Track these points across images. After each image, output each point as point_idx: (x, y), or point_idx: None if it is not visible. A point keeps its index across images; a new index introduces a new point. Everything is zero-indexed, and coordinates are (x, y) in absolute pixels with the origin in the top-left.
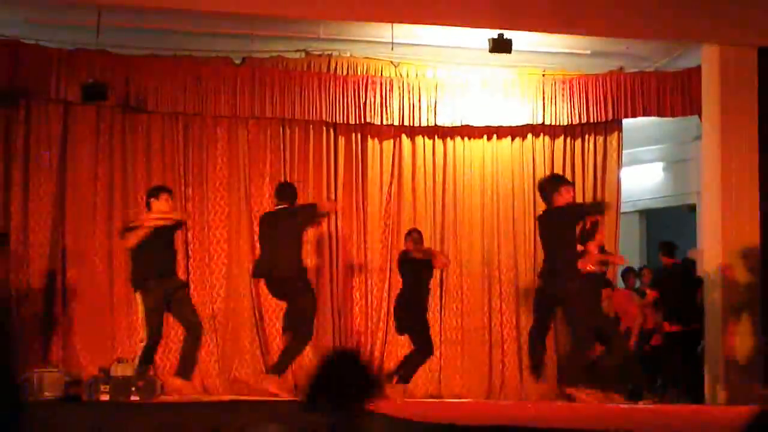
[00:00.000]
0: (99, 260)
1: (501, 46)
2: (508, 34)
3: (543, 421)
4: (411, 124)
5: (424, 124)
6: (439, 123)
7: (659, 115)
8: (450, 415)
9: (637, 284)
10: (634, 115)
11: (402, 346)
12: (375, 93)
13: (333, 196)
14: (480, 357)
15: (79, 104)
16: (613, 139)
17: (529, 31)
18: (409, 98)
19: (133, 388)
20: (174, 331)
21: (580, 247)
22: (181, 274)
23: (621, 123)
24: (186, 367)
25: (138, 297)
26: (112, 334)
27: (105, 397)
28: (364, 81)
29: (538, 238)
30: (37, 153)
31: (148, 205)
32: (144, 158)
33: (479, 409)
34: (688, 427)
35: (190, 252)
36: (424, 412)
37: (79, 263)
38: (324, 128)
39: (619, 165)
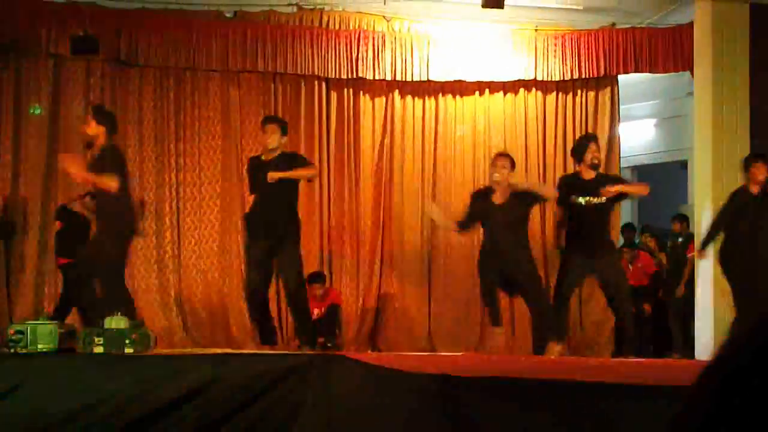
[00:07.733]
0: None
1: (493, 1)
2: None
3: (535, 374)
4: (403, 79)
5: (416, 78)
6: (431, 78)
7: (651, 71)
8: (442, 367)
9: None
10: (626, 71)
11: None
12: (367, 48)
13: (325, 151)
14: (471, 314)
15: (69, 59)
16: (606, 94)
17: None
18: (401, 53)
19: (127, 341)
20: None
21: None
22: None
23: (616, 79)
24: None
25: None
26: None
27: (99, 350)
28: (356, 35)
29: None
30: (27, 108)
31: None
32: (136, 113)
33: (472, 362)
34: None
35: (180, 207)
36: (416, 365)
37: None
38: (316, 83)
39: (614, 121)
